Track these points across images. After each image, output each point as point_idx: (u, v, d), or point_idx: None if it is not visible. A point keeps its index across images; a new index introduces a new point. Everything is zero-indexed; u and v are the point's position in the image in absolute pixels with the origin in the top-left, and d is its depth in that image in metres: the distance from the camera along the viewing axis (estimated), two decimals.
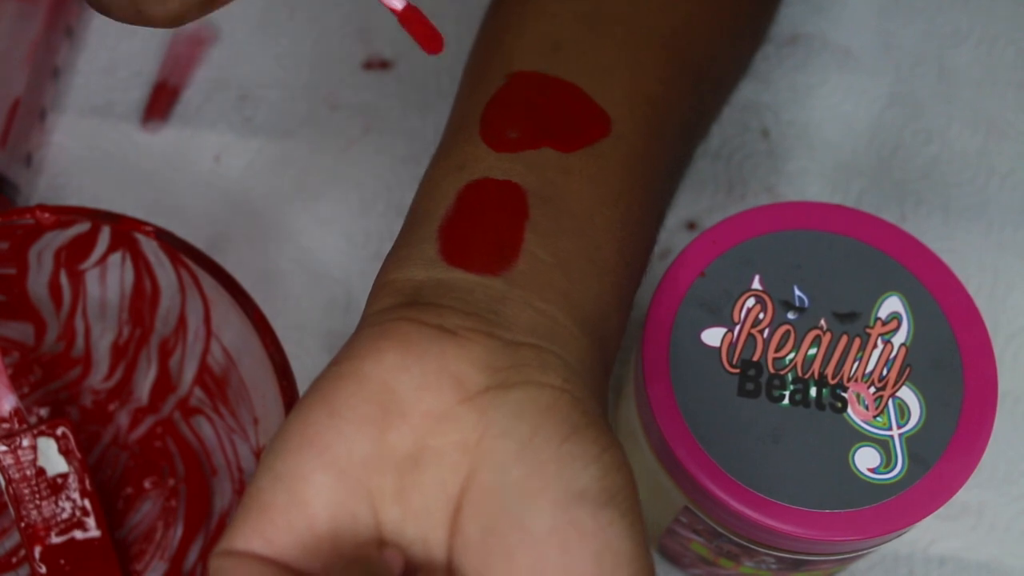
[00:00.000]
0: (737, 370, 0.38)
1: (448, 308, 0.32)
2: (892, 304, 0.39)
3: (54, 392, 0.46)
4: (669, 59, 0.40)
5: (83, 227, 0.42)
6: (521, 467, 0.30)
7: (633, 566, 0.30)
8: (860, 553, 0.40)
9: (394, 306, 0.33)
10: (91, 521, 0.43)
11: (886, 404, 0.38)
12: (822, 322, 0.38)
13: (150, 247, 0.41)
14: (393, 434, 0.31)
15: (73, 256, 0.43)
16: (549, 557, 0.30)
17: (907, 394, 0.38)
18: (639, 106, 0.38)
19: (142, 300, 0.44)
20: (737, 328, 0.38)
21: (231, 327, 0.41)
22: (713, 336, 0.38)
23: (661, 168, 0.39)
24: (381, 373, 0.31)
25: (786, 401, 0.38)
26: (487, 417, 0.31)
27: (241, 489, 0.43)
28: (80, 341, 0.45)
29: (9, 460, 0.42)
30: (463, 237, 0.34)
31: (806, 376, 0.38)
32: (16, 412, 0.43)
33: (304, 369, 0.48)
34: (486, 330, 0.32)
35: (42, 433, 0.43)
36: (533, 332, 0.33)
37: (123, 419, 0.46)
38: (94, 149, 0.51)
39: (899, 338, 0.38)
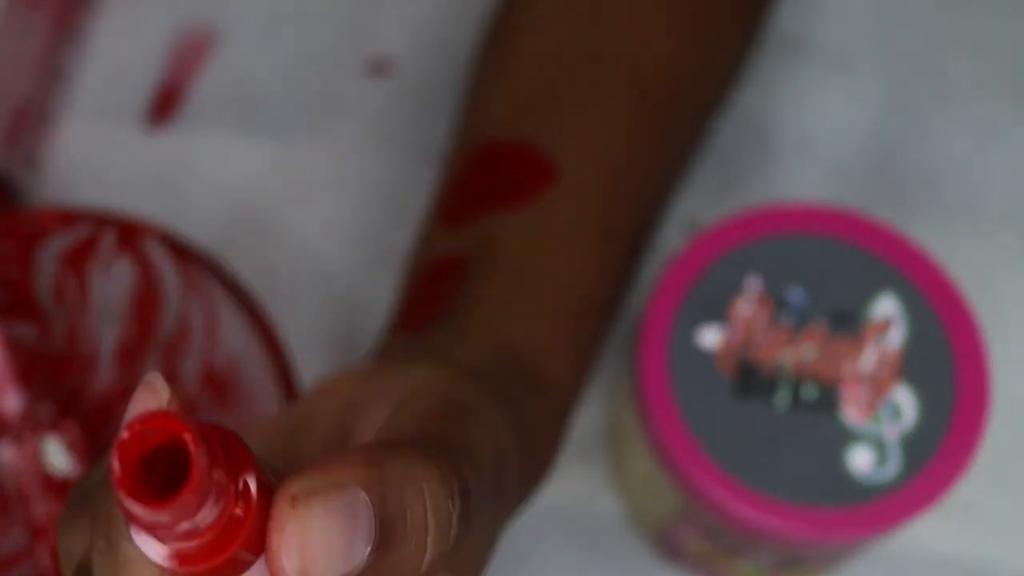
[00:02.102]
0: (734, 371, 0.38)
1: (391, 357, 0.36)
2: (887, 305, 0.39)
3: (59, 392, 0.46)
4: (632, 101, 0.42)
5: (87, 229, 0.42)
6: (373, 382, 0.33)
7: (444, 384, 0.31)
8: (854, 551, 0.40)
9: None
10: None
11: (880, 404, 0.38)
12: (818, 323, 0.39)
13: (154, 249, 0.42)
14: (287, 416, 0.34)
15: (78, 258, 0.43)
16: (369, 394, 0.32)
17: (901, 394, 0.38)
18: (592, 150, 0.41)
19: (146, 301, 0.44)
20: (734, 329, 0.39)
21: (235, 329, 0.42)
22: (710, 337, 0.39)
23: (619, 214, 0.41)
24: (310, 389, 0.35)
25: (782, 401, 0.38)
26: (367, 378, 0.34)
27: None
28: (85, 342, 0.45)
29: (15, 460, 0.43)
30: (412, 313, 0.39)
31: (802, 377, 0.38)
32: (22, 412, 0.43)
33: (306, 371, 0.48)
34: (409, 357, 0.35)
35: (48, 433, 0.43)
36: (440, 344, 0.36)
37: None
38: (99, 151, 0.51)
39: (893, 339, 0.39)
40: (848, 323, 0.39)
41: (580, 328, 0.39)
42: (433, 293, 0.38)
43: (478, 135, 0.42)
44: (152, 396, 0.24)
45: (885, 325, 0.39)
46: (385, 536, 0.25)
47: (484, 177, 0.41)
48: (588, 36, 0.43)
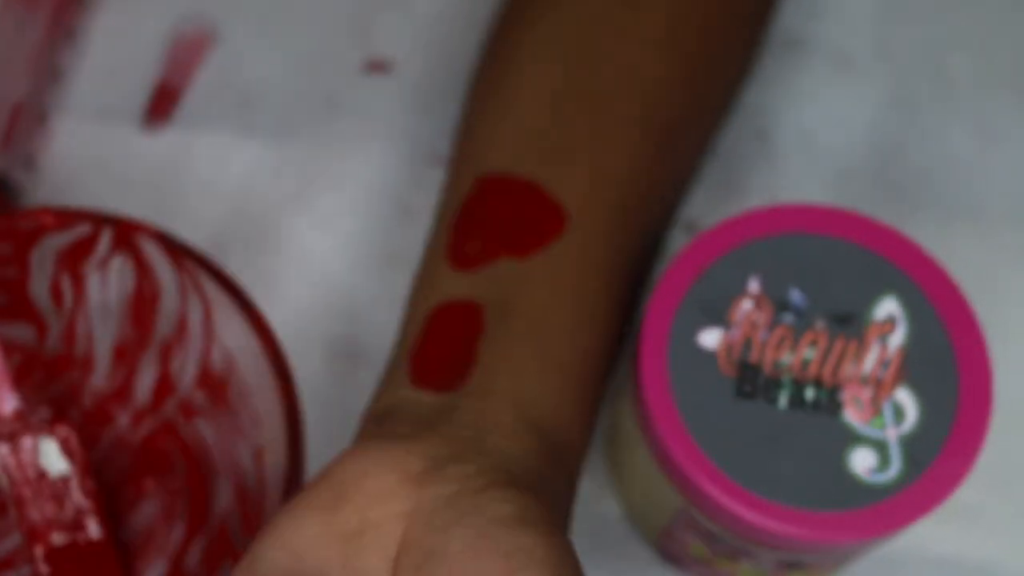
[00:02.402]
0: (734, 372, 0.38)
1: (406, 422, 0.37)
2: (888, 306, 0.39)
3: (56, 393, 0.46)
4: (634, 132, 0.42)
5: (85, 229, 0.42)
6: (444, 515, 0.34)
7: (546, 565, 0.32)
8: (856, 554, 0.40)
9: (367, 431, 0.38)
10: (93, 522, 0.43)
11: (882, 406, 0.38)
12: (819, 324, 0.39)
13: (151, 249, 0.42)
14: (339, 514, 0.35)
15: (75, 258, 0.43)
16: (463, 567, 0.33)
17: (903, 396, 0.38)
18: (600, 192, 0.41)
19: (143, 302, 0.44)
20: (734, 330, 0.39)
21: (232, 329, 0.42)
22: (710, 338, 0.39)
23: (623, 253, 0.42)
24: (338, 471, 0.35)
25: (783, 403, 0.38)
26: (419, 489, 0.35)
27: (242, 491, 0.43)
28: (81, 343, 0.45)
29: (11, 461, 0.43)
30: (426, 362, 0.39)
31: (803, 378, 0.38)
32: (18, 413, 0.43)
33: (304, 371, 0.48)
34: (432, 431, 0.36)
35: (44, 434, 0.43)
36: (474, 427, 0.37)
37: (124, 420, 0.46)
38: (95, 151, 0.51)
39: (895, 340, 0.38)
40: (850, 324, 0.39)
41: (592, 387, 0.40)
42: (447, 341, 0.39)
43: (480, 167, 0.42)
44: None
45: (887, 326, 0.39)
46: None
47: (492, 215, 0.41)
48: (588, 58, 0.43)
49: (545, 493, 0.36)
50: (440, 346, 0.39)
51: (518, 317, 0.39)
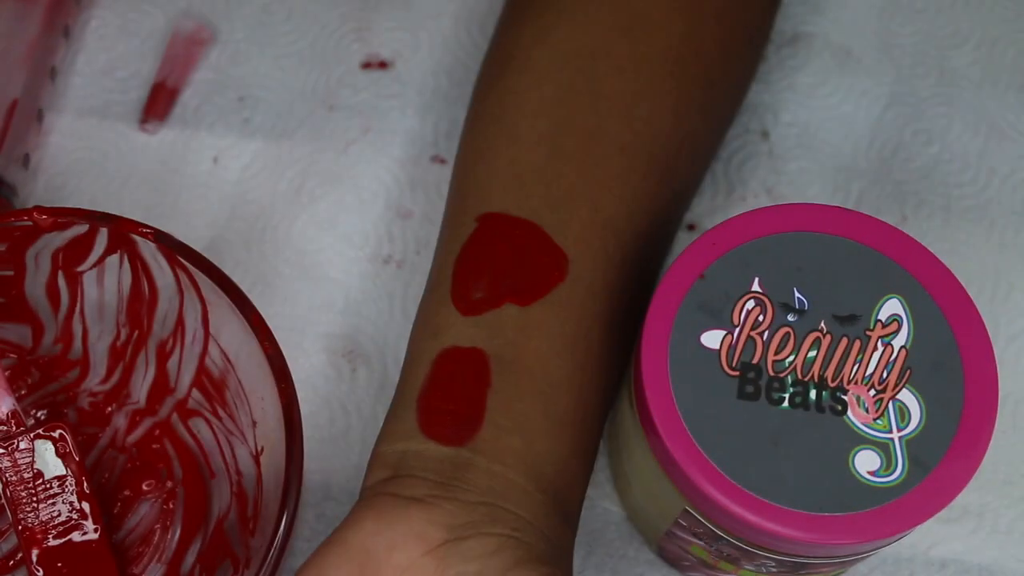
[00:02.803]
0: (737, 372, 0.38)
1: (420, 479, 0.38)
2: (892, 306, 0.39)
3: (51, 394, 0.46)
4: (633, 167, 0.43)
5: (81, 229, 0.41)
6: None
7: None
8: (860, 556, 0.39)
9: (381, 480, 0.39)
10: (89, 523, 0.43)
11: (886, 407, 0.38)
12: (822, 324, 0.38)
13: (148, 249, 0.41)
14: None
15: (71, 258, 0.43)
16: None
17: (907, 397, 0.38)
18: (598, 236, 0.42)
19: (140, 302, 0.43)
20: (736, 330, 0.38)
21: (229, 329, 0.41)
22: (712, 338, 0.38)
23: (622, 296, 0.43)
24: (361, 539, 0.37)
25: (786, 404, 0.38)
26: (444, 563, 0.36)
27: (239, 492, 0.43)
28: (78, 343, 0.45)
29: (6, 463, 0.42)
30: (436, 411, 0.40)
31: (806, 379, 0.38)
32: (13, 414, 0.43)
33: (302, 371, 0.48)
34: (448, 495, 0.38)
35: (39, 436, 0.43)
36: (490, 493, 0.38)
37: (121, 421, 0.46)
38: (92, 150, 0.51)
39: (899, 340, 0.38)
40: (853, 324, 0.38)
41: (593, 437, 0.42)
42: (455, 391, 0.40)
43: (481, 206, 0.43)
44: None
45: (891, 326, 0.38)
46: None
47: (495, 258, 0.42)
48: (587, 93, 0.44)
49: (557, 552, 0.38)
50: (449, 397, 0.40)
51: (524, 372, 0.40)
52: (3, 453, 0.42)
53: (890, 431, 0.37)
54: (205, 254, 0.41)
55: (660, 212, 0.44)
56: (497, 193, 0.43)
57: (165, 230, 0.41)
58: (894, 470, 0.37)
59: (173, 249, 0.41)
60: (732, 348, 0.38)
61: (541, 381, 0.40)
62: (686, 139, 0.45)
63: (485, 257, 0.42)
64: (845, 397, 0.38)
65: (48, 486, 0.43)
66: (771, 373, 0.38)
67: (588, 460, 0.42)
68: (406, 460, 0.39)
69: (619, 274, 0.43)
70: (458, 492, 0.38)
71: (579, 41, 0.44)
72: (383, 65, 0.53)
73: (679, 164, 0.45)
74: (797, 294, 0.39)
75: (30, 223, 0.41)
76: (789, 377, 0.38)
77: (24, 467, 0.42)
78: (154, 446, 0.45)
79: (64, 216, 0.41)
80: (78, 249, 0.42)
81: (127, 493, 0.45)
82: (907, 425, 0.37)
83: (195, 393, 0.44)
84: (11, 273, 0.43)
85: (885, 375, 0.38)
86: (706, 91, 0.45)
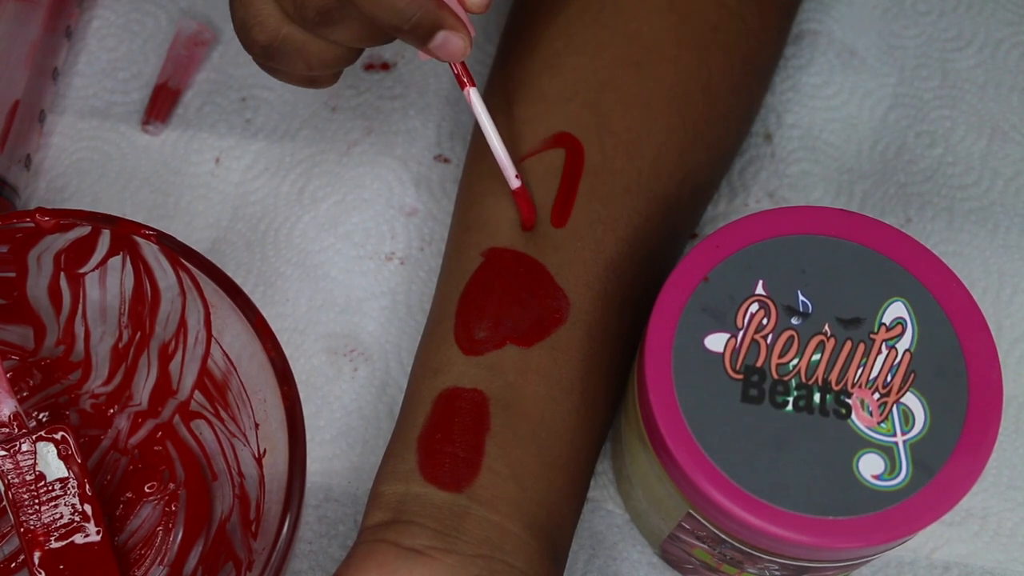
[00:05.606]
0: (740, 376, 0.38)
1: (420, 526, 0.39)
2: (896, 309, 0.39)
3: (53, 396, 0.46)
4: (636, 208, 0.44)
5: (83, 230, 0.41)
6: None
7: None
8: (863, 560, 0.39)
9: (382, 523, 0.40)
10: (91, 526, 0.43)
11: (890, 410, 0.37)
12: (826, 328, 0.38)
13: (150, 250, 0.41)
14: None
15: (73, 259, 0.43)
16: None
17: (911, 400, 0.38)
18: (600, 279, 0.43)
19: (142, 304, 0.43)
20: (740, 333, 0.38)
21: (231, 331, 0.41)
22: (716, 341, 0.38)
23: (620, 338, 0.43)
24: None
25: (790, 407, 0.37)
26: None
27: (242, 494, 0.43)
28: (80, 345, 0.45)
29: (9, 465, 0.42)
30: (436, 452, 0.40)
31: (810, 382, 0.38)
32: (15, 416, 0.42)
33: (304, 372, 0.48)
34: (447, 547, 0.38)
35: (42, 438, 0.43)
36: (486, 544, 0.39)
37: (123, 423, 0.46)
38: (94, 151, 0.51)
39: (903, 344, 0.38)
40: (857, 328, 0.38)
41: (585, 478, 0.43)
42: (456, 434, 0.40)
43: (485, 241, 0.43)
44: None
45: (895, 329, 0.38)
46: None
47: (499, 298, 0.42)
48: (594, 128, 0.44)
49: None
50: (448, 440, 0.40)
51: (521, 416, 0.41)
52: (5, 455, 0.42)
53: (894, 435, 0.37)
54: (207, 255, 0.41)
55: (659, 250, 0.45)
56: (503, 229, 0.43)
57: (167, 231, 0.41)
58: (898, 474, 0.37)
59: (175, 251, 0.41)
60: (736, 351, 0.38)
61: (537, 425, 0.41)
62: (689, 175, 0.45)
63: (489, 296, 0.42)
64: (849, 400, 0.37)
65: (50, 488, 0.43)
66: (775, 376, 0.38)
67: (579, 499, 0.42)
68: (406, 504, 0.40)
69: (618, 316, 0.43)
70: (458, 544, 0.39)
71: (587, 70, 0.44)
72: (385, 66, 0.53)
73: (681, 201, 0.45)
74: (801, 297, 0.39)
75: (32, 225, 0.41)
76: (793, 380, 0.38)
77: (26, 469, 0.42)
78: (156, 448, 0.45)
79: (66, 218, 0.41)
80: (80, 251, 0.42)
81: (129, 495, 0.45)
82: (911, 429, 0.37)
83: (197, 395, 0.44)
84: (13, 275, 0.43)
85: (889, 378, 0.38)
86: (712, 127, 0.45)
